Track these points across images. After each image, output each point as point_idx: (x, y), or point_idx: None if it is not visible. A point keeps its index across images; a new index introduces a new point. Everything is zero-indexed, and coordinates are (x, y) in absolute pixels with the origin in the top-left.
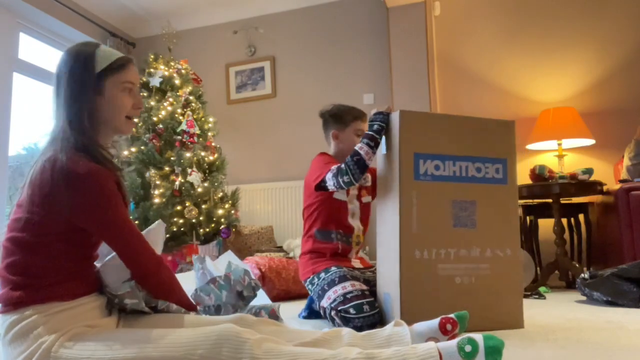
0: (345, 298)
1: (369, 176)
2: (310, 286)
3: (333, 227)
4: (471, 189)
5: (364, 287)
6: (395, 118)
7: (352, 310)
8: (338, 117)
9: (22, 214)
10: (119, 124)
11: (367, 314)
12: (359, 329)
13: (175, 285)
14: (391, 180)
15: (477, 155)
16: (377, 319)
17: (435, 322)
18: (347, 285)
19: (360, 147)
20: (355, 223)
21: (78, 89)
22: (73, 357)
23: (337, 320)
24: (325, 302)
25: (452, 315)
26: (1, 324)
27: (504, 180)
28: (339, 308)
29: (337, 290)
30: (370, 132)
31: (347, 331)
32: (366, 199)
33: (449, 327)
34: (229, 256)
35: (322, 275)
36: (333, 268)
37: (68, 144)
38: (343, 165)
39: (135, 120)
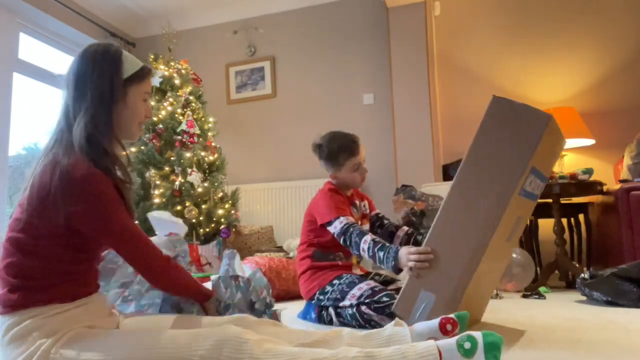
0: (374, 291)
1: (367, 203)
2: (321, 296)
3: (333, 250)
4: (525, 204)
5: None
6: (540, 118)
7: (384, 298)
8: (333, 159)
9: (22, 214)
10: (134, 130)
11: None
12: (390, 315)
13: (187, 281)
14: (499, 182)
15: (540, 170)
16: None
17: (435, 322)
18: (370, 282)
19: (367, 249)
20: None
21: (107, 93)
22: (73, 357)
23: (368, 311)
24: (348, 301)
25: (452, 315)
26: (0, 325)
27: (536, 197)
28: (370, 300)
29: (362, 287)
30: (379, 255)
31: (347, 331)
32: (365, 227)
33: (449, 327)
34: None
35: (336, 282)
36: (345, 274)
37: (74, 146)
38: (348, 242)
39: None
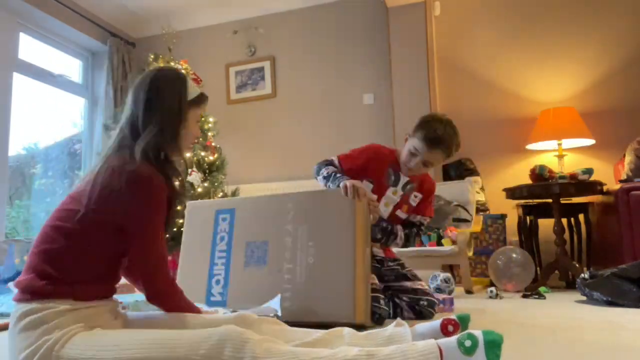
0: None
1: (420, 197)
2: None
3: None
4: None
5: (374, 282)
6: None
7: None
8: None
9: (75, 206)
10: (186, 149)
11: (382, 306)
12: (377, 322)
13: (185, 307)
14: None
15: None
16: (386, 314)
17: (437, 323)
18: None
19: (325, 174)
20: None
21: (175, 111)
22: (75, 356)
23: None
24: None
25: (453, 317)
26: (14, 311)
27: None
28: None
29: None
30: (331, 178)
31: (347, 331)
32: (401, 213)
33: (450, 328)
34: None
35: None
36: None
37: (139, 154)
38: (316, 169)
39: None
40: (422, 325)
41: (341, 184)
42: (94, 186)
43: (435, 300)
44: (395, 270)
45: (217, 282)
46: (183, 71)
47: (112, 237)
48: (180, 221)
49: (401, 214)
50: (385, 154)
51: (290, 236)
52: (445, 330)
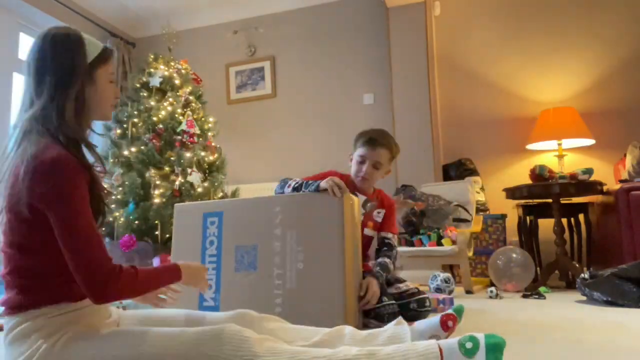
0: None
1: (382, 212)
2: None
3: None
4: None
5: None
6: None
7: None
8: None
9: (9, 216)
10: (107, 112)
11: (386, 302)
12: (381, 317)
13: (146, 282)
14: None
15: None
16: (396, 308)
17: (436, 319)
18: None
19: (294, 184)
20: None
21: (70, 78)
22: (75, 356)
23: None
24: None
25: (451, 311)
26: (6, 323)
27: None
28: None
29: None
30: (306, 184)
31: (348, 330)
32: (368, 231)
33: (450, 323)
34: None
35: None
36: None
37: (44, 135)
38: (280, 184)
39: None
40: (422, 322)
41: (322, 184)
42: (8, 188)
43: (427, 296)
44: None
45: (209, 287)
46: (77, 29)
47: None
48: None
49: (369, 231)
50: (341, 175)
51: (279, 241)
52: (445, 325)
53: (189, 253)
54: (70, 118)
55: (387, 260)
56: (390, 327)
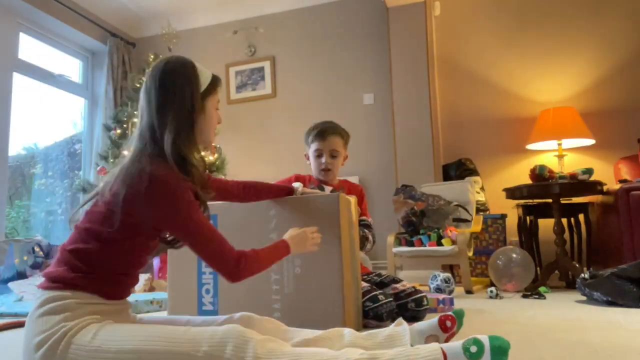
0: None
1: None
2: None
3: None
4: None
5: (363, 284)
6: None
7: (368, 303)
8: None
9: (107, 209)
10: (211, 138)
11: (383, 301)
12: (379, 317)
13: (265, 261)
14: None
15: None
16: (394, 306)
17: (435, 320)
18: (362, 284)
19: None
20: None
21: (190, 107)
22: (84, 344)
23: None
24: None
25: (450, 313)
26: (38, 297)
27: None
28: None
29: None
30: None
31: (347, 330)
32: None
33: (448, 323)
34: None
35: None
36: None
37: (160, 156)
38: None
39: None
40: (421, 323)
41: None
42: (123, 187)
43: (424, 294)
44: (374, 280)
45: (207, 291)
46: (190, 59)
47: (144, 240)
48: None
49: None
50: (303, 177)
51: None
52: (444, 326)
53: (186, 256)
54: (187, 144)
55: (365, 230)
56: (390, 327)
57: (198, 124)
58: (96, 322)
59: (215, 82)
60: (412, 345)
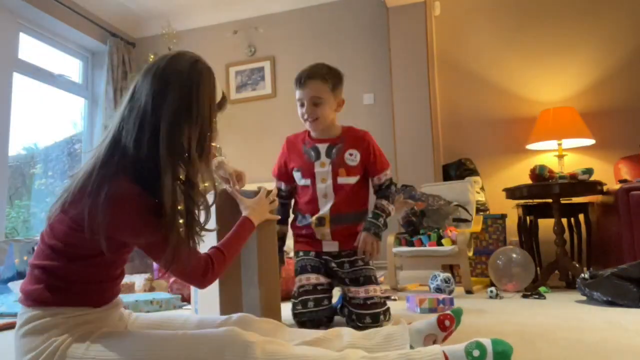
0: (298, 292)
1: (356, 154)
2: None
3: (297, 210)
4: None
5: (321, 280)
6: None
7: (298, 306)
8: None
9: (65, 218)
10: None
11: (308, 310)
12: (302, 324)
13: (232, 250)
14: None
15: None
16: (321, 316)
17: (434, 319)
18: (303, 279)
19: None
20: (321, 204)
21: (208, 120)
22: (78, 356)
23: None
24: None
25: (449, 312)
26: (20, 314)
27: None
28: (292, 302)
29: (296, 282)
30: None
31: (347, 330)
32: (343, 180)
33: (447, 323)
34: None
35: (296, 258)
36: (300, 253)
37: (134, 168)
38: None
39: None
40: (419, 322)
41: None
42: (79, 201)
43: (386, 308)
44: (348, 272)
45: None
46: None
47: (115, 249)
48: (181, 220)
49: (345, 179)
50: (297, 136)
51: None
52: (443, 325)
53: None
54: (194, 172)
55: (383, 202)
56: (388, 327)
57: (209, 146)
58: (88, 333)
59: (224, 101)
60: (411, 347)
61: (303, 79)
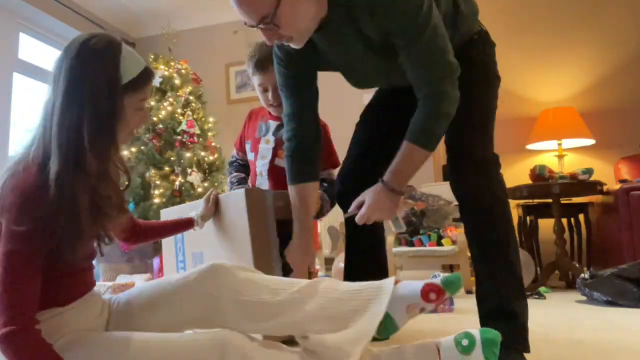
0: None
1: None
2: None
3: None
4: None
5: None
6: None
7: None
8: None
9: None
10: (123, 138)
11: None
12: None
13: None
14: None
15: None
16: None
17: (418, 287)
18: None
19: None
20: (262, 181)
21: (105, 107)
22: None
23: None
24: None
25: (438, 282)
26: None
27: None
28: None
29: None
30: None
31: (324, 285)
32: (280, 161)
33: (432, 295)
34: None
35: None
36: None
37: (45, 159)
38: None
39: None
40: (404, 287)
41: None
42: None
43: None
44: None
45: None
46: (118, 39)
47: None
48: None
49: (281, 162)
50: (258, 110)
51: (214, 246)
52: (427, 297)
53: (169, 261)
54: (86, 156)
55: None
56: (374, 283)
57: (110, 130)
58: (68, 338)
59: (144, 78)
60: (387, 314)
61: (266, 64)
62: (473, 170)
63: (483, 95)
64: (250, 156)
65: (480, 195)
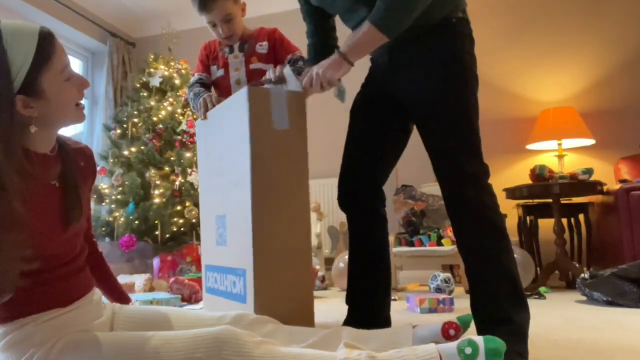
0: None
1: (265, 44)
2: None
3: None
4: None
5: None
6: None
7: None
8: None
9: None
10: (71, 117)
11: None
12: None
13: None
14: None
15: None
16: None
17: (438, 327)
18: None
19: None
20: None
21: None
22: None
23: None
24: None
25: (455, 320)
26: None
27: None
28: None
29: None
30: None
31: (346, 332)
32: (255, 65)
33: (452, 332)
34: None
35: None
36: None
37: None
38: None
39: (84, 101)
40: (424, 328)
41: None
42: None
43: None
44: None
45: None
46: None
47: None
48: (181, 221)
49: (257, 65)
50: (214, 41)
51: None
52: (447, 334)
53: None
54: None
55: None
56: (392, 328)
57: (40, 113)
58: (70, 338)
59: (45, 47)
60: None
61: (208, 4)
62: (462, 186)
63: (460, 103)
64: (218, 73)
65: (472, 206)
